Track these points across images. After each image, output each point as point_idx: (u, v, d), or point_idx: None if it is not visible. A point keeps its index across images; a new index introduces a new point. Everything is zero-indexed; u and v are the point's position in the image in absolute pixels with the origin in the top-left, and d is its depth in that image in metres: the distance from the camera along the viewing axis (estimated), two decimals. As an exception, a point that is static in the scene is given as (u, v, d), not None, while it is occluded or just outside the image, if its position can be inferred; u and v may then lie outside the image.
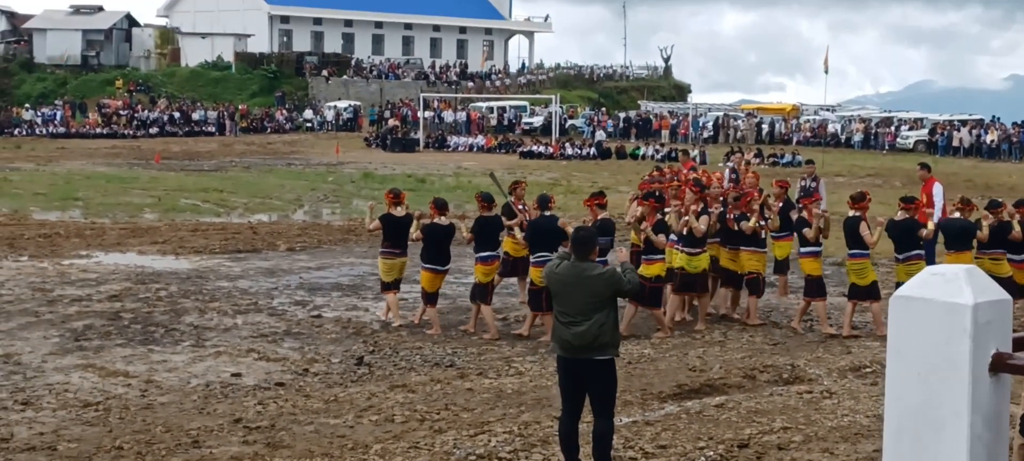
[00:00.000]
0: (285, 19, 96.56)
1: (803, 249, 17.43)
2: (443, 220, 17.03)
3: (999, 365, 3.02)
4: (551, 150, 59.98)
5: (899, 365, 3.14)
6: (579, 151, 60.16)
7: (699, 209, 16.92)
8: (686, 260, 16.83)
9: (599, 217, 16.71)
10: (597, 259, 10.59)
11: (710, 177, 21.77)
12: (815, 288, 17.10)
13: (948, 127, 66.48)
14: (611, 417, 10.32)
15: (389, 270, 17.28)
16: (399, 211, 17.35)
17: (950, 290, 3.03)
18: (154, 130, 71.72)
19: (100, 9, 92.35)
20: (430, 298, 17.02)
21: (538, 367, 14.50)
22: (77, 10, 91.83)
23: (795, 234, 18.20)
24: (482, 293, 16.85)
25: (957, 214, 17.71)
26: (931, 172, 23.41)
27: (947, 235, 17.54)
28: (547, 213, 16.51)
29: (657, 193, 17.88)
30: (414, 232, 16.90)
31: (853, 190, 19.03)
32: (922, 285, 3.11)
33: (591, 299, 10.04)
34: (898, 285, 16.07)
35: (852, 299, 16.87)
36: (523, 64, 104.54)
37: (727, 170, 26.17)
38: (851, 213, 16.81)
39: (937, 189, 22.61)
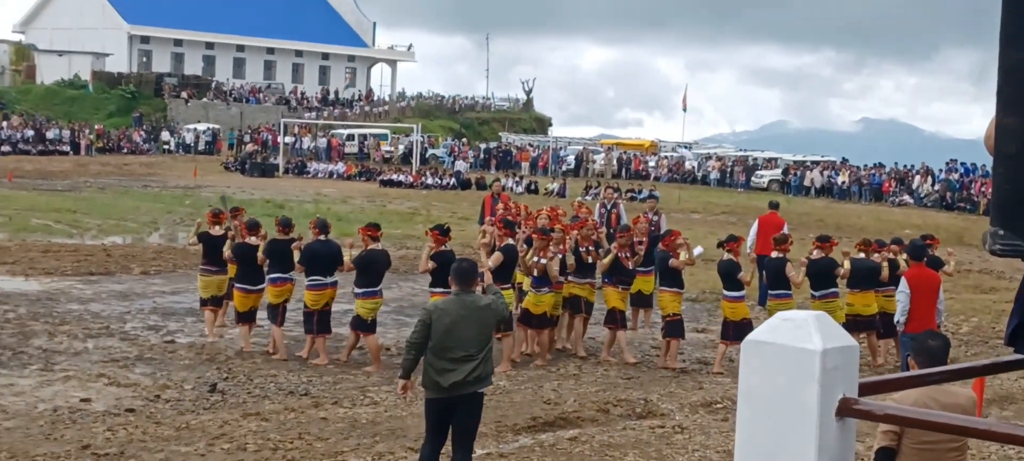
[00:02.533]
0: (145, 39, 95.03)
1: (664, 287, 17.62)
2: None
3: (845, 410, 3.10)
4: (411, 179, 59.94)
5: (749, 408, 3.21)
6: (439, 181, 60.20)
7: (503, 243, 16.88)
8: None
9: (369, 247, 16.57)
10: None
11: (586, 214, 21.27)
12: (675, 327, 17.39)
13: (801, 168, 67.98)
14: (471, 450, 10.33)
15: (206, 287, 18.07)
16: (217, 230, 18.11)
17: (800, 336, 3.11)
18: (7, 148, 70.00)
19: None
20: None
21: (394, 397, 14.45)
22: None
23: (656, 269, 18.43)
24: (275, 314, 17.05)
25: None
26: (774, 210, 24.06)
27: (813, 277, 17.58)
28: (324, 238, 16.90)
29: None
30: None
31: (710, 227, 19.33)
32: (773, 330, 3.18)
33: (482, 331, 9.97)
34: None
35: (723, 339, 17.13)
36: (367, 91, 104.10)
37: (598, 206, 25.88)
38: (726, 256, 17.10)
39: (753, 227, 23.36)
